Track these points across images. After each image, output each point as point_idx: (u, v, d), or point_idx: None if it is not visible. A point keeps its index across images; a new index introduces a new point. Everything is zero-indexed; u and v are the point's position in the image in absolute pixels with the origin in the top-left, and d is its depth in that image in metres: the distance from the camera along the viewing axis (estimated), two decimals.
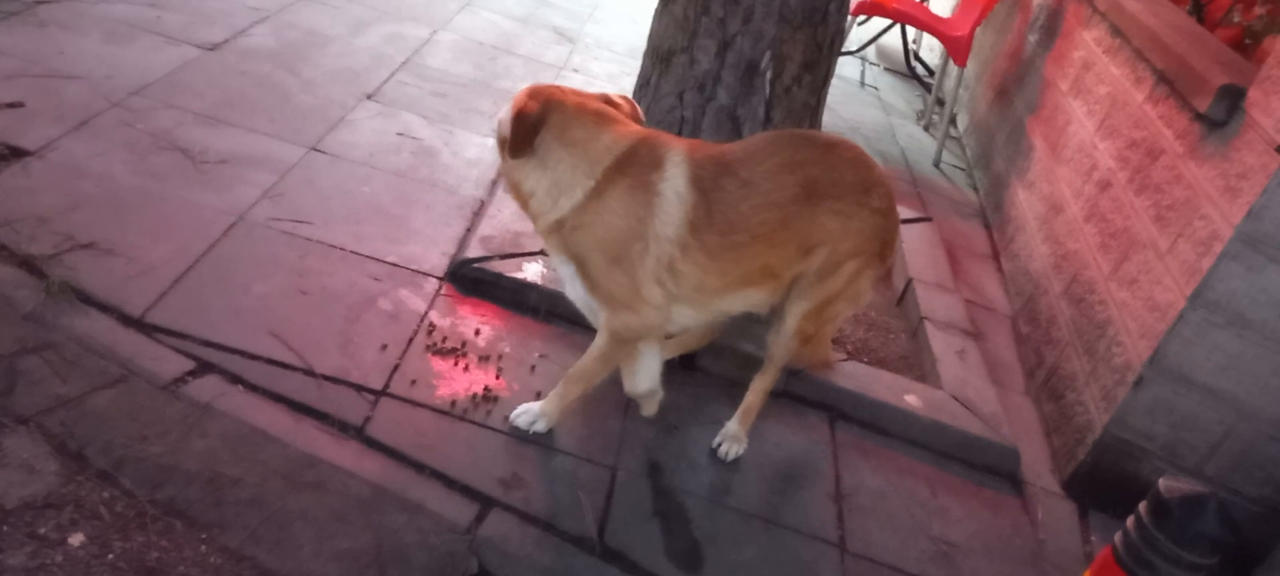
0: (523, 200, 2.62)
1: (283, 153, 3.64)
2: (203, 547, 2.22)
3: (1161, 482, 2.56)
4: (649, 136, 2.62)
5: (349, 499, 2.41)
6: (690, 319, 2.76)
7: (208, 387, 2.57)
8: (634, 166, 2.55)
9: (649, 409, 2.97)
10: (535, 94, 2.50)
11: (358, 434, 2.59)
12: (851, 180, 2.72)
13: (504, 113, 2.52)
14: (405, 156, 3.91)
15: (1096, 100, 4.26)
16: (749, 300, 2.76)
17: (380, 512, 2.40)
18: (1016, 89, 5.47)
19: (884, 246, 2.82)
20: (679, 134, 3.41)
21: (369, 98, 4.29)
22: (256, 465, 2.41)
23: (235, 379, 2.63)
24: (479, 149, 4.16)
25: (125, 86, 3.72)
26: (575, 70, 5.39)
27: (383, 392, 2.74)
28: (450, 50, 5.14)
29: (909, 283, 4.11)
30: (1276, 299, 2.91)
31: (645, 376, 2.85)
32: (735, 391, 3.10)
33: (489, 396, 2.86)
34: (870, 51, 7.54)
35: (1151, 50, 3.79)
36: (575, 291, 2.70)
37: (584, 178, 2.52)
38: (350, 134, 3.94)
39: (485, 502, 2.53)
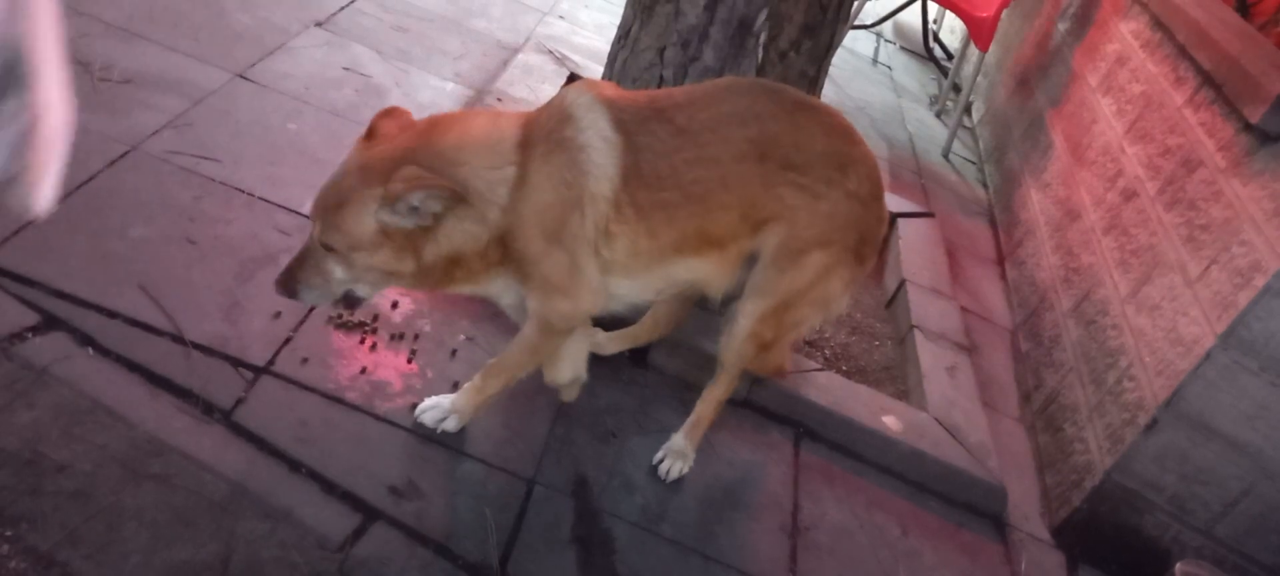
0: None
1: (202, 77, 3.20)
2: (4, 547, 1.81)
3: (1179, 568, 2.19)
4: (547, 104, 2.22)
5: (199, 498, 2.00)
6: (630, 292, 2.32)
7: (49, 348, 2.15)
8: (542, 130, 2.14)
9: (569, 395, 2.58)
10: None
11: (224, 418, 2.18)
12: (822, 150, 2.26)
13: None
14: (347, 93, 3.47)
15: (1128, 99, 3.81)
16: (691, 271, 2.30)
17: (236, 517, 2.00)
18: (1039, 80, 5.01)
19: (862, 242, 2.35)
20: None
21: (318, 25, 3.84)
22: (91, 449, 2.00)
23: (86, 340, 2.21)
24: (435, 92, 3.72)
25: None
26: (561, 16, 4.93)
27: (264, 370, 2.32)
28: None
29: (902, 284, 3.69)
30: None
31: (570, 364, 2.46)
32: (689, 395, 2.69)
33: (395, 384, 2.45)
34: (887, 27, 7.06)
35: (1198, 48, 3.34)
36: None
37: (504, 167, 2.10)
38: (287, 62, 3.49)
39: (369, 513, 2.12)
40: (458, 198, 2.01)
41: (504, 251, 2.16)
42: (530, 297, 2.24)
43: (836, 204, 2.28)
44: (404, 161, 2.00)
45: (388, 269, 2.08)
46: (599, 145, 2.12)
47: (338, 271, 2.08)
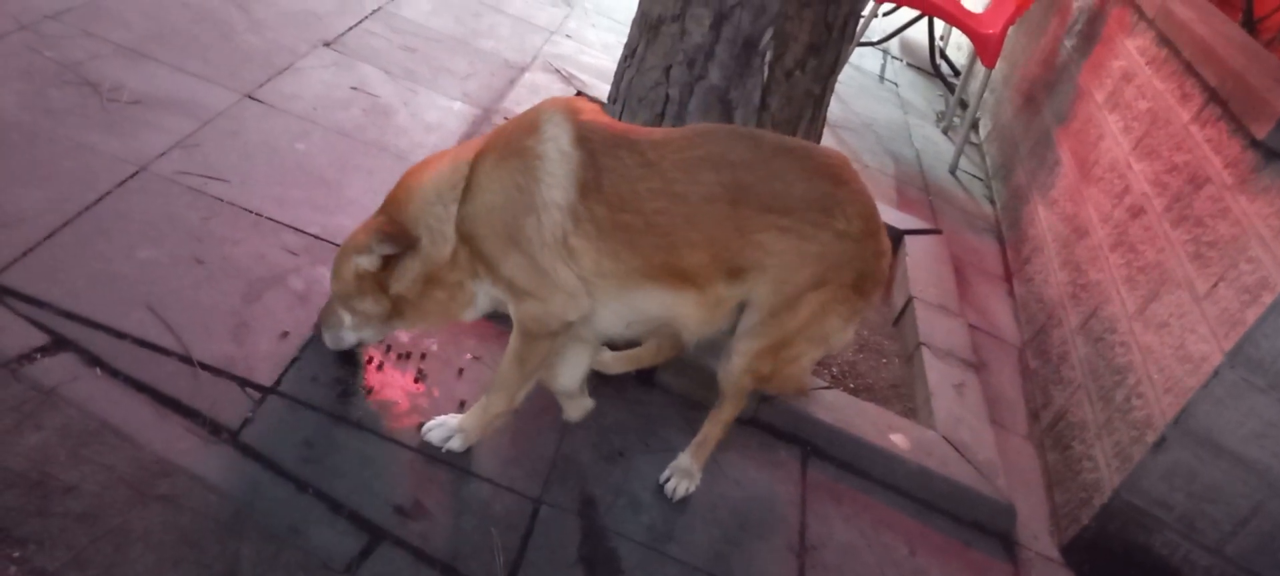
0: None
1: (210, 97, 3.22)
2: (12, 569, 1.82)
3: None
4: (519, 114, 2.37)
5: (205, 519, 2.00)
6: (608, 317, 2.33)
7: (58, 369, 2.16)
8: (503, 137, 2.27)
9: (572, 412, 2.59)
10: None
11: (232, 438, 2.18)
12: (803, 194, 2.24)
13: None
14: (355, 113, 3.49)
15: (1135, 116, 3.81)
16: (662, 305, 2.29)
17: (242, 538, 2.00)
18: (1046, 96, 5.01)
19: (862, 278, 2.33)
20: (662, 116, 3.00)
21: (326, 45, 3.86)
22: (99, 470, 2.00)
23: (94, 360, 2.21)
24: (442, 112, 3.73)
25: (41, 8, 3.29)
26: (568, 35, 4.95)
27: (272, 390, 2.33)
28: (432, 1, 4.69)
29: (909, 301, 3.69)
30: None
31: (568, 372, 2.48)
32: (695, 415, 2.68)
33: (402, 403, 2.46)
34: (894, 44, 7.07)
35: (1204, 65, 3.34)
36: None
37: (455, 186, 2.27)
38: (295, 83, 3.51)
39: (376, 534, 2.12)
40: (392, 236, 2.26)
41: (472, 256, 2.26)
42: (508, 304, 2.30)
43: (826, 245, 2.26)
44: (382, 213, 2.32)
45: (370, 311, 2.36)
46: (554, 156, 2.18)
47: (345, 317, 2.40)
